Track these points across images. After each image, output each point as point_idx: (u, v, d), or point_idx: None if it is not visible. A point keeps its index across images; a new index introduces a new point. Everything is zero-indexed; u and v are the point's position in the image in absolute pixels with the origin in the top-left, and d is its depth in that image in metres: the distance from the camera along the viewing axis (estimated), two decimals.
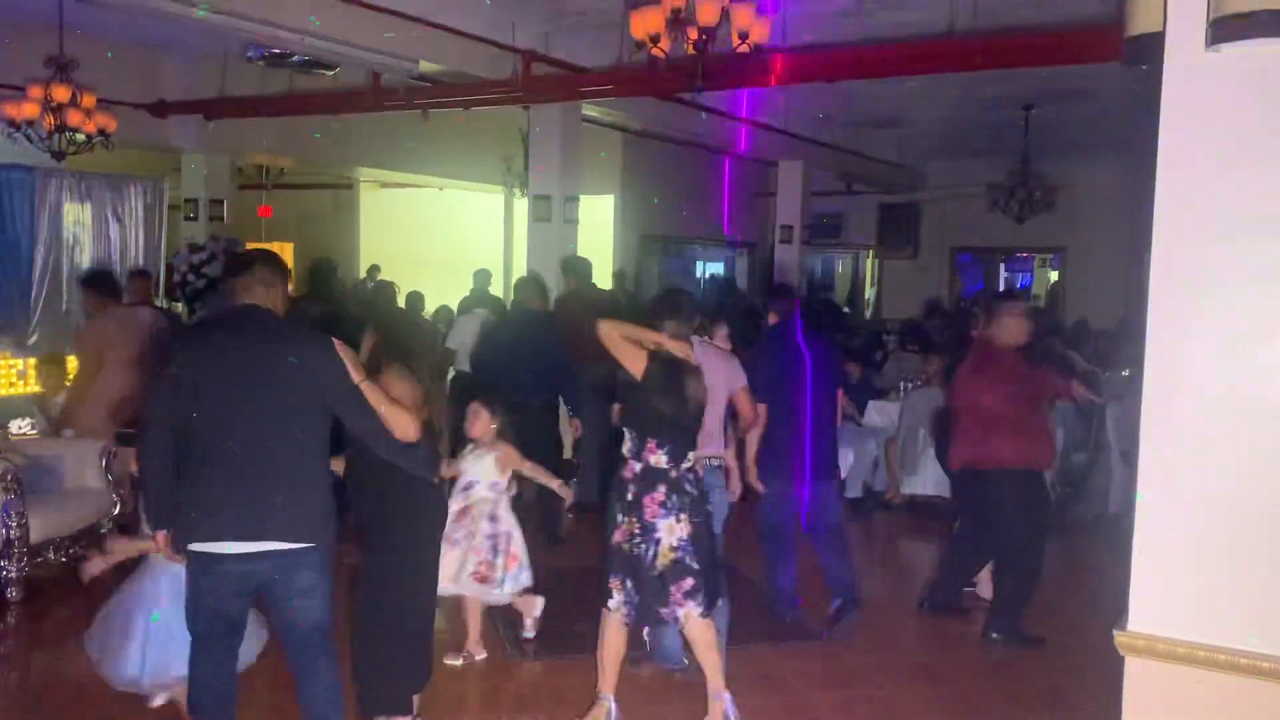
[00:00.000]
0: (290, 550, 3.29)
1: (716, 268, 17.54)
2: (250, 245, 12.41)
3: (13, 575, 5.40)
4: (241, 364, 3.32)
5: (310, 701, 3.48)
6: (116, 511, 6.12)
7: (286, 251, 16.20)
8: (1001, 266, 17.90)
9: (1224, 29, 2.08)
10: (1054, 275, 17.13)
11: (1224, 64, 2.12)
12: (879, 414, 8.69)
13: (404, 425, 3.46)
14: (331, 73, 9.73)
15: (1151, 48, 2.30)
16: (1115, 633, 2.26)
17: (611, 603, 4.04)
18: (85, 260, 9.54)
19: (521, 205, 12.21)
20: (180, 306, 10.30)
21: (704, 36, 5.59)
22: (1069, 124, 11.97)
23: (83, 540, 5.90)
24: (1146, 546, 2.24)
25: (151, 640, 3.77)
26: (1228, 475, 2.17)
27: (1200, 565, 2.20)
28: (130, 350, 6.48)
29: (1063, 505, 8.15)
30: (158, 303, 9.81)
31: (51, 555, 5.74)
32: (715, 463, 4.75)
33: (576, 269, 8.06)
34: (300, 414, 3.34)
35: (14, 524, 5.37)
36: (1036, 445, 5.25)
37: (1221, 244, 2.14)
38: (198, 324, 5.17)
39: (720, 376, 4.62)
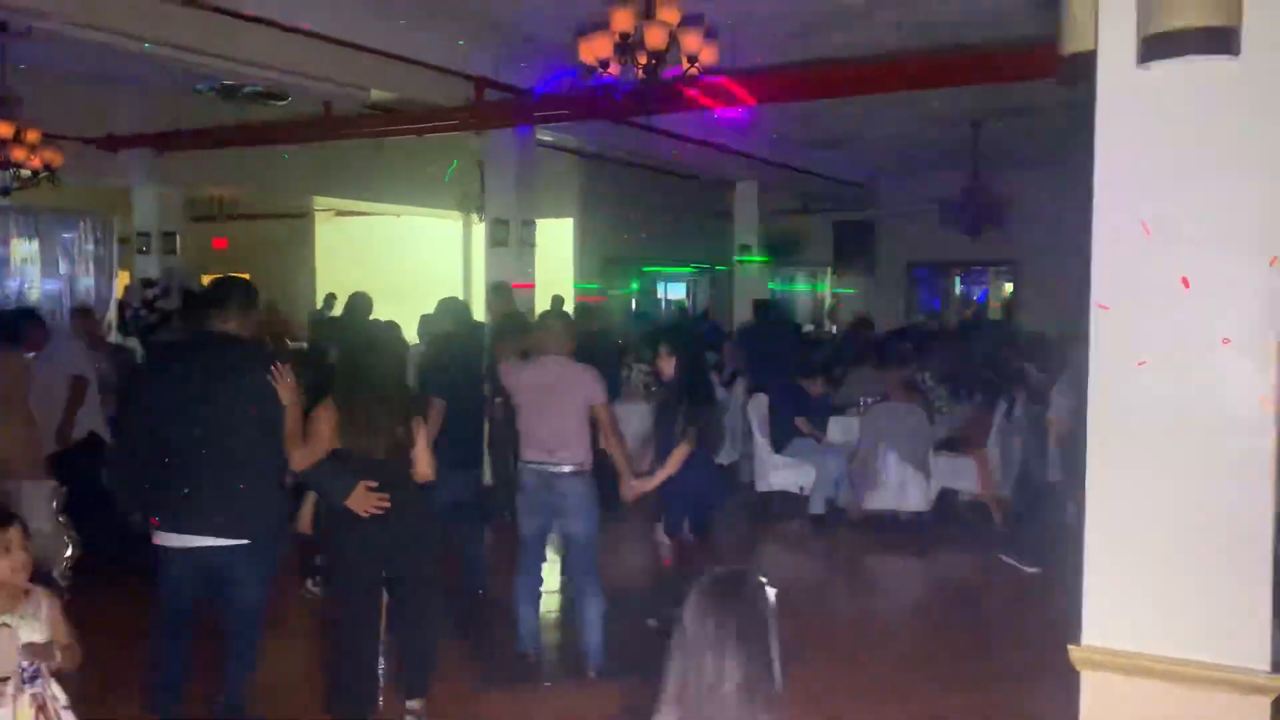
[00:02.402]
0: (227, 545, 3.85)
1: (678, 289, 17.62)
2: (205, 278, 12.30)
3: None
4: (192, 384, 3.89)
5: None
6: (70, 553, 6.00)
7: None
8: (957, 280, 18.11)
9: (1154, 47, 2.13)
10: (1009, 287, 17.35)
11: (1155, 81, 2.17)
12: (841, 430, 8.74)
13: (293, 456, 4.01)
14: (284, 103, 9.69)
15: (1086, 66, 2.34)
16: (1070, 647, 2.28)
17: None
18: (35, 297, 9.40)
19: (480, 230, 12.20)
20: (134, 341, 10.16)
21: (653, 61, 5.61)
22: (1016, 139, 12.16)
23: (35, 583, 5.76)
24: (1097, 560, 2.26)
25: None
26: (1173, 486, 2.19)
27: (1150, 577, 2.22)
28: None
29: (1020, 516, 8.24)
30: (112, 338, 9.69)
31: None
32: (568, 469, 4.95)
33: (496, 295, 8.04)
34: (241, 429, 3.90)
35: None
36: None
37: (1158, 257, 2.18)
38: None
39: (575, 388, 4.97)
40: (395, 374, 4.40)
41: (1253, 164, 2.10)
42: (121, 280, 11.28)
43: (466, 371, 6.10)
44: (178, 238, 11.23)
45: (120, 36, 6.34)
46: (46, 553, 5.90)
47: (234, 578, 3.95)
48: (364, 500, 4.03)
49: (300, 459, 4.03)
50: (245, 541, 3.88)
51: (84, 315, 7.73)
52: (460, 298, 7.83)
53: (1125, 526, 2.25)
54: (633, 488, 5.20)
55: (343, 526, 4.10)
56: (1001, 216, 13.39)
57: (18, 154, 7.73)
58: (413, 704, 4.38)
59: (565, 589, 5.86)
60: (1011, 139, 12.22)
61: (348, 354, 4.51)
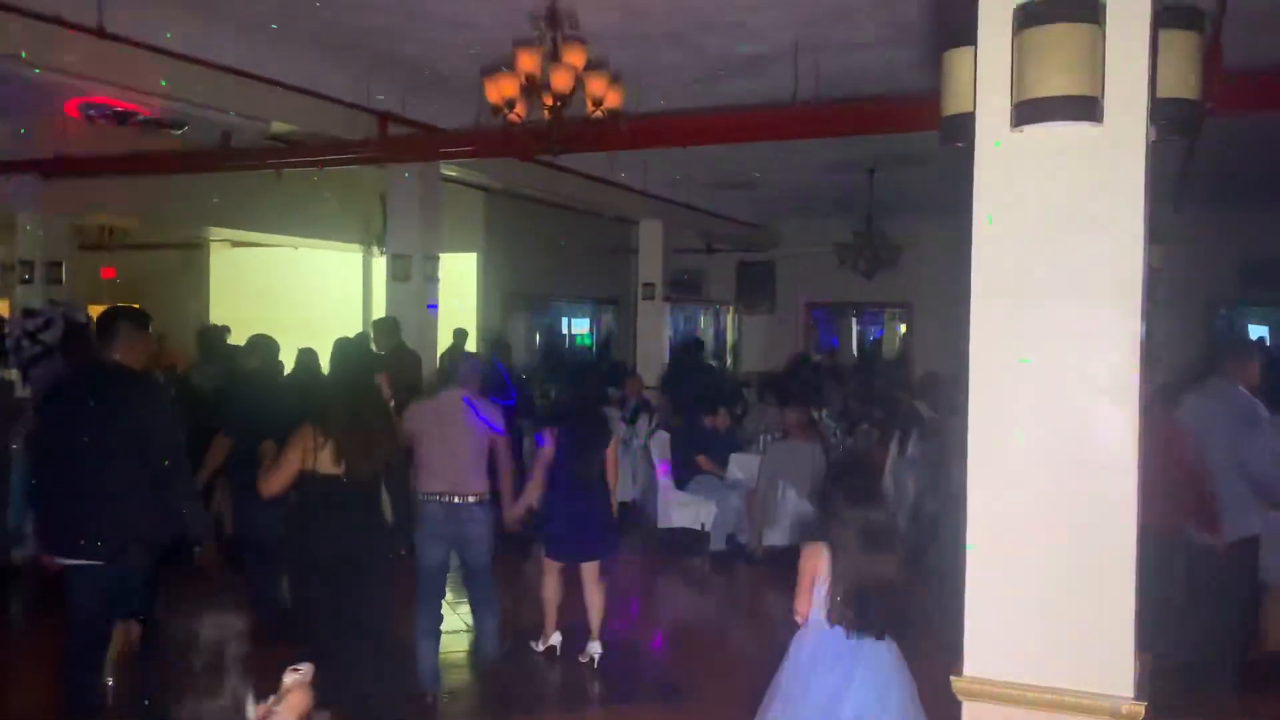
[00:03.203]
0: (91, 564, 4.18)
1: (582, 324, 17.66)
2: (92, 308, 11.88)
3: None
4: (79, 415, 4.21)
5: None
6: None
7: None
8: (854, 320, 18.61)
9: (1027, 111, 2.27)
10: (903, 328, 17.89)
11: (1028, 143, 2.31)
12: (740, 467, 8.87)
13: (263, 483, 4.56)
14: (179, 132, 9.47)
15: (965, 126, 2.48)
16: (952, 678, 2.38)
17: None
18: None
19: (381, 265, 12.07)
20: (14, 373, 9.74)
21: (558, 103, 5.70)
22: (909, 186, 12.61)
23: None
24: (977, 594, 2.37)
25: None
26: (1046, 524, 2.32)
27: (1027, 610, 2.34)
28: None
29: (915, 553, 8.46)
30: None
31: None
32: (472, 499, 5.25)
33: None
34: (121, 458, 4.19)
35: None
36: None
37: (1028, 307, 2.32)
38: (63, 379, 5.37)
39: (466, 423, 5.30)
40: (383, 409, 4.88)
41: (1113, 220, 2.26)
42: (1, 310, 10.82)
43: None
44: (63, 267, 10.83)
45: (8, 61, 6.15)
46: None
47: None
48: None
49: (270, 485, 4.53)
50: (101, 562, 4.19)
51: None
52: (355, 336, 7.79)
53: (1002, 562, 2.36)
54: (511, 514, 5.60)
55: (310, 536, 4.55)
56: (895, 260, 13.84)
57: None
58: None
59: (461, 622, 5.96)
60: (905, 185, 12.67)
61: (341, 391, 4.84)
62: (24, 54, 6.16)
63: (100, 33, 6.19)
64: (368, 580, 4.57)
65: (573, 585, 5.91)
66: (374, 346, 8.00)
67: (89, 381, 4.37)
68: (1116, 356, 2.27)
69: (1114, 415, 2.27)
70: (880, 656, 3.33)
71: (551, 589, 5.94)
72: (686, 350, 13.65)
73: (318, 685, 4.49)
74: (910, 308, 17.02)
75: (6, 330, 9.79)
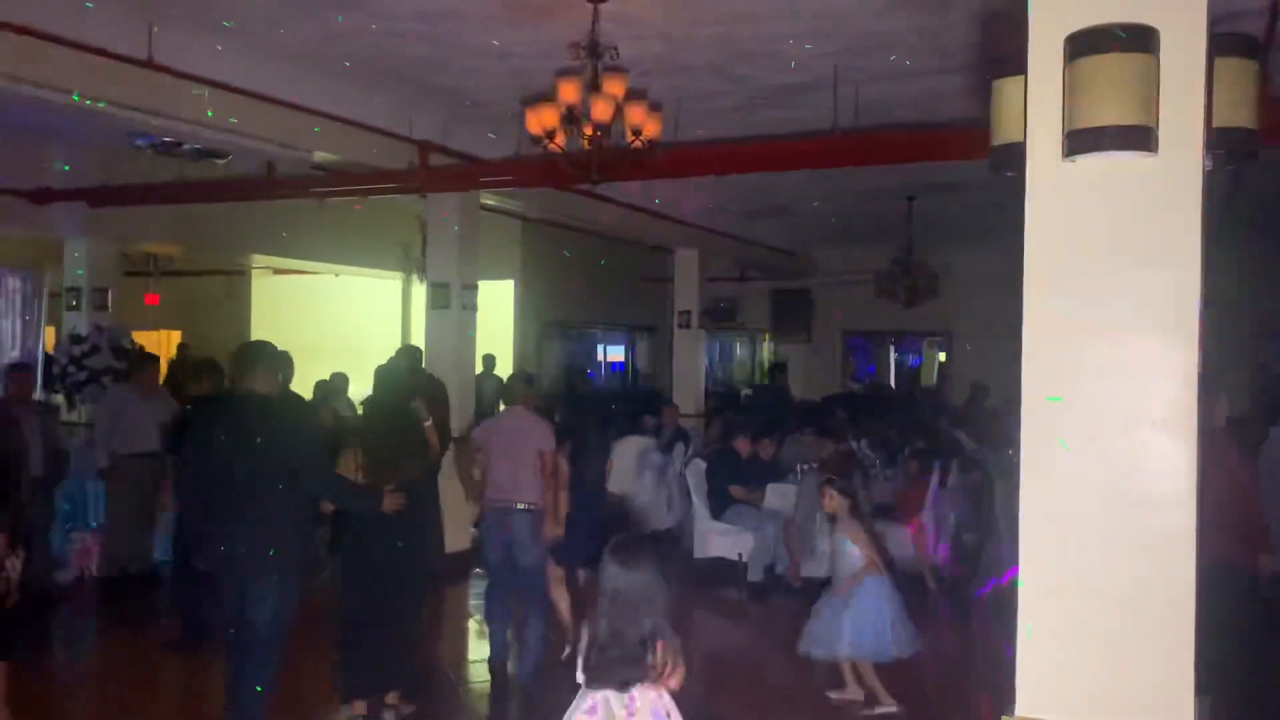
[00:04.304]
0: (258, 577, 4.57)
1: (617, 351, 17.70)
2: (136, 334, 12.05)
3: None
4: (225, 438, 4.65)
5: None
6: None
7: (174, 340, 15.78)
8: (891, 349, 18.48)
9: (1078, 141, 2.24)
10: (942, 356, 17.74)
11: (1080, 173, 2.28)
12: (777, 497, 8.80)
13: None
14: (224, 161, 9.62)
15: (1015, 156, 2.45)
16: (1004, 718, 2.32)
17: None
18: None
19: (420, 291, 12.17)
20: (61, 399, 9.91)
21: (598, 132, 5.72)
22: (949, 214, 12.54)
23: None
24: (1030, 632, 2.31)
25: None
26: (1103, 562, 2.26)
27: (1083, 649, 2.28)
28: None
29: (956, 585, 8.33)
30: (36, 395, 9.43)
31: None
32: (521, 506, 5.89)
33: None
34: (267, 476, 4.56)
35: None
36: None
37: (1082, 340, 2.27)
38: (207, 406, 5.93)
39: (527, 438, 5.94)
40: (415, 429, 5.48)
41: (1168, 251, 2.21)
42: (49, 336, 11.02)
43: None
44: (109, 293, 11.01)
45: (59, 93, 6.27)
46: None
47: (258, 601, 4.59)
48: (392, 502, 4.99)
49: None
50: (271, 574, 4.58)
51: (16, 372, 7.55)
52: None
53: (1056, 601, 2.31)
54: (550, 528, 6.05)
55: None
56: (934, 288, 13.74)
57: None
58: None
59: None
60: (945, 213, 12.60)
61: (373, 412, 5.54)
62: (75, 95, 6.31)
63: (149, 64, 6.31)
64: (399, 584, 5.14)
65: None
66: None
67: (238, 410, 4.76)
68: (1173, 389, 2.22)
69: (1171, 449, 2.22)
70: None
71: (560, 596, 6.39)
72: (773, 375, 13.82)
73: (348, 676, 5.10)
74: (950, 336, 16.88)
75: (54, 356, 9.97)
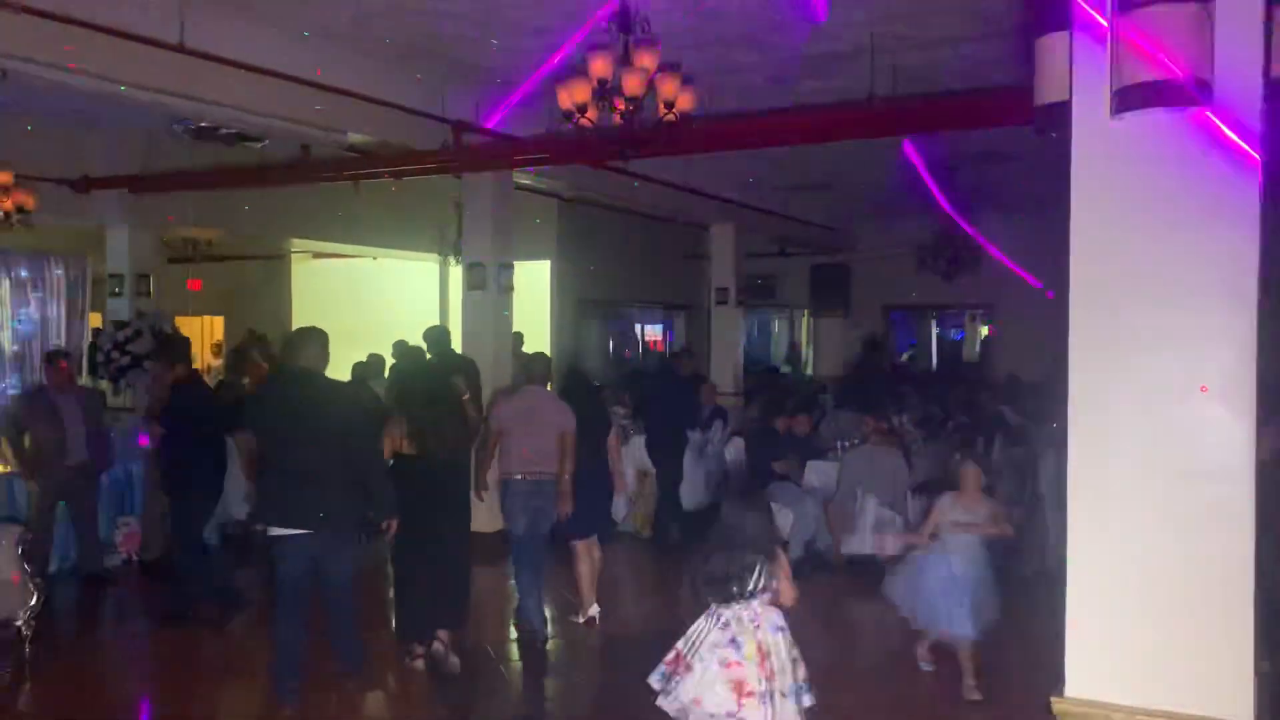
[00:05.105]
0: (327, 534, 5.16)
1: (655, 329, 17.63)
2: (179, 319, 12.18)
3: None
4: (294, 407, 5.17)
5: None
6: (34, 601, 5.87)
7: (218, 324, 15.95)
8: (933, 323, 18.22)
9: (1126, 98, 2.15)
10: (984, 330, 17.47)
11: (1127, 131, 2.18)
12: (816, 474, 8.71)
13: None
14: (260, 145, 9.66)
15: (1059, 116, 2.36)
16: (1052, 699, 2.25)
17: None
18: (5, 339, 9.28)
19: (457, 273, 12.17)
20: (105, 384, 10.03)
21: (630, 107, 5.64)
22: (991, 184, 12.29)
23: None
24: (1079, 610, 2.24)
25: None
26: (1154, 536, 2.18)
27: (1132, 628, 2.20)
28: None
29: (1002, 562, 8.20)
30: (82, 381, 9.56)
31: None
32: (545, 477, 6.26)
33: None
34: (329, 443, 5.12)
35: None
36: None
37: (1133, 306, 2.18)
38: (271, 381, 6.46)
39: (548, 415, 6.32)
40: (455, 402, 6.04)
41: (1224, 212, 2.11)
42: (93, 322, 11.16)
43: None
44: (151, 279, 11.13)
45: (96, 79, 6.31)
46: (9, 601, 5.77)
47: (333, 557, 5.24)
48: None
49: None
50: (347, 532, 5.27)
51: (56, 359, 7.61)
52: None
53: (1106, 577, 2.23)
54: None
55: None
56: (977, 260, 13.51)
57: None
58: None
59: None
60: (985, 185, 12.36)
61: (417, 387, 6.06)
62: (123, 88, 6.36)
63: (181, 48, 6.32)
64: (446, 540, 5.67)
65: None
66: (427, 353, 8.23)
67: (297, 385, 5.28)
68: (1228, 356, 2.12)
69: (1227, 420, 2.12)
70: None
71: (584, 564, 6.72)
72: (869, 351, 13.79)
73: (405, 623, 5.78)
74: (993, 309, 16.61)
75: (98, 342, 10.09)
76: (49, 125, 9.44)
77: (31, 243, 9.88)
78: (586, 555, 6.71)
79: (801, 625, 6.61)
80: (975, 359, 17.18)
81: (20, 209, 7.94)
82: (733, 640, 3.52)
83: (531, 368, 6.84)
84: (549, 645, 6.40)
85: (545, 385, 6.61)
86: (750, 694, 3.43)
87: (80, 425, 7.20)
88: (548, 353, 11.23)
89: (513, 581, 6.75)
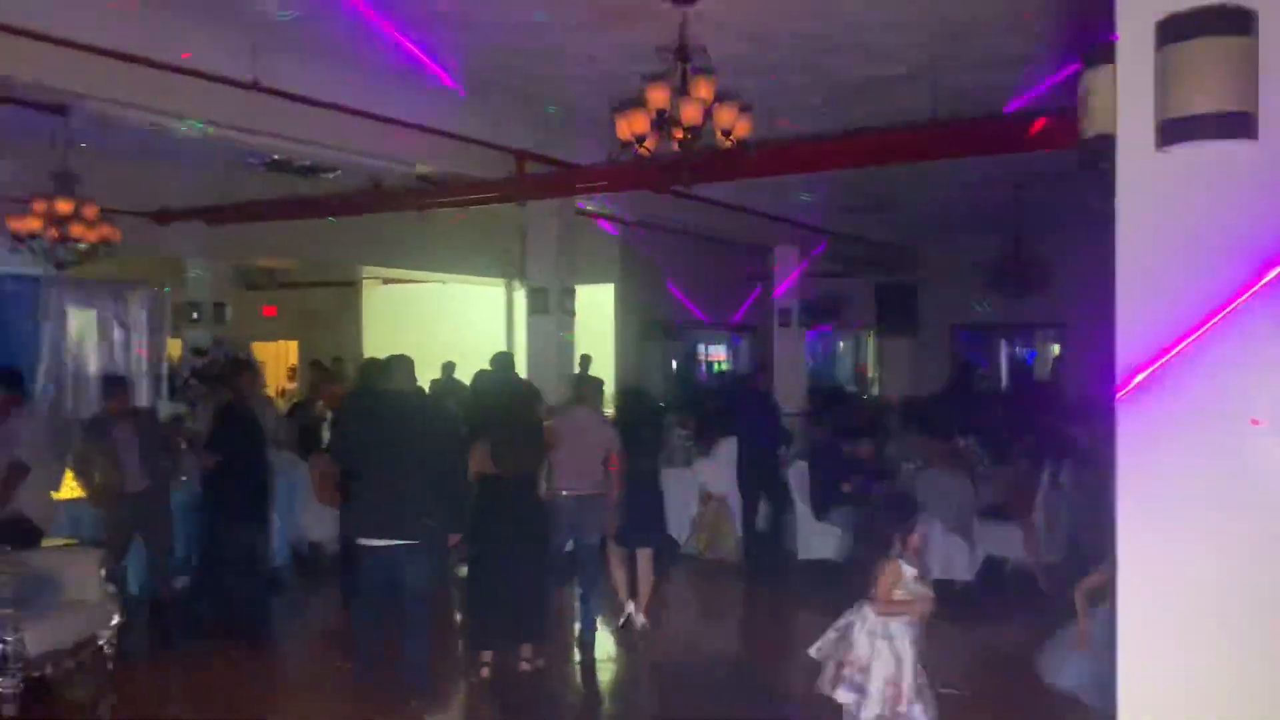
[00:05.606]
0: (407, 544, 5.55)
1: (719, 350, 17.65)
2: (255, 344, 12.56)
3: (7, 690, 5.33)
4: (384, 423, 5.64)
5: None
6: (115, 622, 6.07)
7: (292, 349, 16.38)
8: (1003, 343, 17.90)
9: (1172, 131, 2.15)
10: (1056, 349, 17.14)
11: (1174, 164, 2.18)
12: None
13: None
14: (332, 175, 9.94)
15: (1106, 148, 2.36)
16: None
17: None
18: (91, 366, 9.65)
19: (522, 296, 12.36)
20: (185, 409, 10.36)
21: (688, 135, 5.71)
22: (1059, 202, 12.10)
23: (81, 653, 5.86)
24: (1130, 646, 2.22)
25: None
26: (1206, 568, 2.16)
27: (1185, 660, 2.18)
28: None
29: (1066, 584, 8.04)
30: (162, 405, 9.90)
31: (49, 669, 5.68)
32: (592, 493, 6.57)
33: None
34: (410, 459, 5.56)
35: (9, 639, 5.32)
36: None
37: (1180, 333, 2.17)
38: (358, 397, 6.68)
39: (594, 435, 6.64)
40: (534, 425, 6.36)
41: (1271, 244, 2.10)
42: (173, 349, 11.55)
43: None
44: (227, 308, 11.49)
45: (174, 118, 6.59)
46: (93, 620, 5.99)
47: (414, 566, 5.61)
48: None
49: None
50: (416, 542, 5.58)
51: (113, 385, 7.75)
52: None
53: (1158, 609, 2.21)
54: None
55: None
56: (1046, 279, 13.29)
57: (76, 230, 7.99)
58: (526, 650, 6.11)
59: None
60: (1056, 199, 12.18)
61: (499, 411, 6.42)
62: (198, 123, 6.65)
63: (255, 86, 6.56)
64: (524, 555, 5.97)
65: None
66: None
67: (384, 405, 5.78)
68: None
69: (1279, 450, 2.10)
70: None
71: (618, 572, 7.23)
72: (962, 372, 13.74)
73: (477, 630, 6.13)
74: (1064, 328, 16.28)
75: (177, 368, 10.45)
76: (130, 161, 9.82)
77: (114, 273, 10.27)
78: (632, 561, 7.18)
79: None
80: (1047, 379, 16.84)
81: (105, 241, 8.25)
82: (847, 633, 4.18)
83: (579, 388, 7.18)
84: (603, 657, 6.72)
85: (593, 405, 6.89)
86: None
87: (135, 454, 7.13)
88: (611, 374, 11.38)
89: (579, 594, 6.90)
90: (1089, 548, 8.32)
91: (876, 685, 4.10)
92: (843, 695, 4.16)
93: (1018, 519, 8.26)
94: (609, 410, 8.10)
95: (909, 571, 4.23)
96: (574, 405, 6.96)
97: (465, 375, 10.98)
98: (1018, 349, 18.06)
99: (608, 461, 6.62)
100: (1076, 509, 8.57)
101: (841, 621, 4.31)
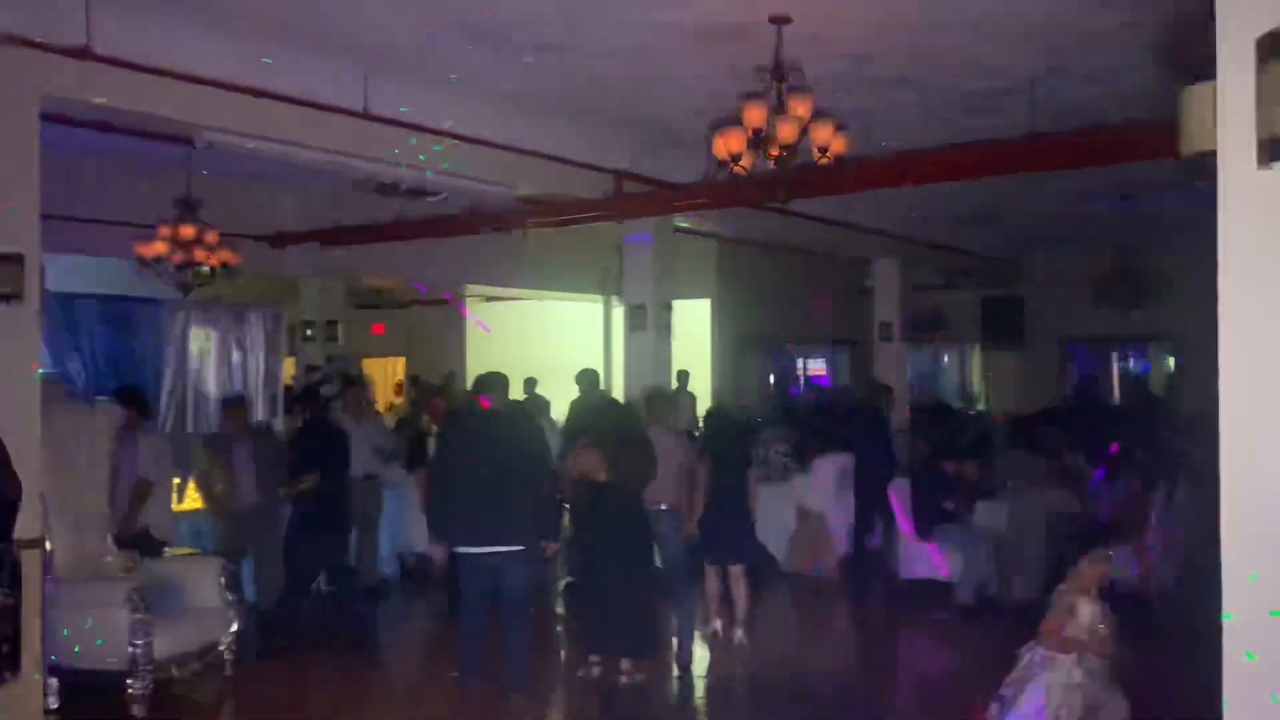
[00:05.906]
0: (508, 551, 5.81)
1: (817, 365, 17.50)
2: (364, 361, 12.96)
3: (137, 692, 5.64)
4: (481, 439, 5.96)
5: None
6: (234, 628, 6.36)
7: (399, 365, 16.84)
8: (1114, 357, 17.31)
9: (1275, 148, 2.11)
10: (1171, 363, 16.54)
11: (1276, 181, 2.14)
12: (988, 515, 8.47)
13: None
14: (437, 198, 10.22)
15: (1207, 165, 2.32)
16: None
17: None
18: (210, 385, 10.12)
19: (620, 312, 12.49)
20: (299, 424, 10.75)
21: (784, 152, 5.73)
22: (1170, 212, 11.71)
23: (204, 657, 6.16)
24: (1236, 676, 2.17)
25: None
26: None
27: None
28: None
29: (1187, 614, 7.76)
30: (279, 421, 10.31)
31: (174, 672, 5.99)
32: (664, 507, 6.73)
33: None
34: (509, 472, 5.81)
35: (140, 642, 5.63)
36: None
37: None
38: (462, 417, 6.92)
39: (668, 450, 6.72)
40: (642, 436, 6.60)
41: None
42: (289, 367, 12.01)
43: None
44: (340, 325, 11.90)
45: (289, 146, 6.88)
46: (214, 627, 6.29)
47: (513, 574, 5.86)
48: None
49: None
50: (519, 548, 5.85)
51: (230, 406, 8.16)
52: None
53: (1267, 632, 2.16)
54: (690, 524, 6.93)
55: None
56: (1158, 290, 12.86)
57: (199, 254, 8.43)
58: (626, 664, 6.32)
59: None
60: (1167, 209, 11.79)
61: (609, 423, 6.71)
62: (315, 154, 7.01)
63: (365, 115, 6.82)
64: (627, 565, 6.20)
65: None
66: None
67: (484, 420, 6.09)
68: None
69: None
70: None
71: (711, 586, 7.38)
72: (1087, 385, 13.57)
73: (587, 636, 6.46)
74: (1179, 340, 15.69)
75: (293, 385, 10.86)
76: (247, 187, 10.27)
77: (233, 295, 10.75)
78: (715, 578, 7.35)
79: (975, 673, 6.48)
80: (1161, 393, 16.24)
81: (225, 265, 8.67)
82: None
83: (652, 403, 7.39)
84: (699, 673, 6.87)
85: (666, 422, 7.06)
86: None
87: (250, 471, 7.55)
88: (707, 389, 11.49)
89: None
90: (1209, 569, 8.04)
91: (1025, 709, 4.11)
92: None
93: (1130, 539, 8.01)
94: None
95: (1086, 610, 4.24)
96: (651, 422, 7.07)
97: (547, 391, 11.31)
98: (1131, 362, 17.45)
99: (680, 473, 6.77)
100: (1191, 529, 8.27)
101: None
